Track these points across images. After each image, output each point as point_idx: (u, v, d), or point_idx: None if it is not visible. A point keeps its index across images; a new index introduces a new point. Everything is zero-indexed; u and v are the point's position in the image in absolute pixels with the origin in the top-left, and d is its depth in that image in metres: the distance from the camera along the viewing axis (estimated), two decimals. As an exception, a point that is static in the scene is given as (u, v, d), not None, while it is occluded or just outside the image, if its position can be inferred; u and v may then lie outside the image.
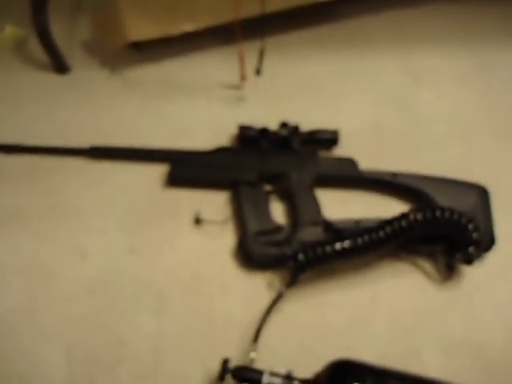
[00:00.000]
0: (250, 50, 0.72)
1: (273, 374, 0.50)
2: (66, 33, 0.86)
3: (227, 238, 0.64)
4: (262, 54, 0.72)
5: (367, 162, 0.67)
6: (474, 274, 0.60)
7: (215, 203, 0.66)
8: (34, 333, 0.57)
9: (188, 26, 0.77)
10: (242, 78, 0.75)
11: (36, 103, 0.78)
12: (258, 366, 0.52)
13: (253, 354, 0.52)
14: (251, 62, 0.74)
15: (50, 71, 0.82)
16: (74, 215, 0.66)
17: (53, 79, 0.81)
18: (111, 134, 0.74)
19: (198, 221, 0.64)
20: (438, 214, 0.56)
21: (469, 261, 0.57)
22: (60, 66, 0.81)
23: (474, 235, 0.56)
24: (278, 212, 0.66)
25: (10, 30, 0.87)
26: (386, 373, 0.51)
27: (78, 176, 0.70)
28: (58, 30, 0.81)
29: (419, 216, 0.56)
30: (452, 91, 0.80)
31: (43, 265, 0.62)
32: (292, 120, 0.69)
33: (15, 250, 0.63)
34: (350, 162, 0.67)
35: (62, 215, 0.66)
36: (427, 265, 0.61)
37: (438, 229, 0.57)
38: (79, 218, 0.66)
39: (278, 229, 0.62)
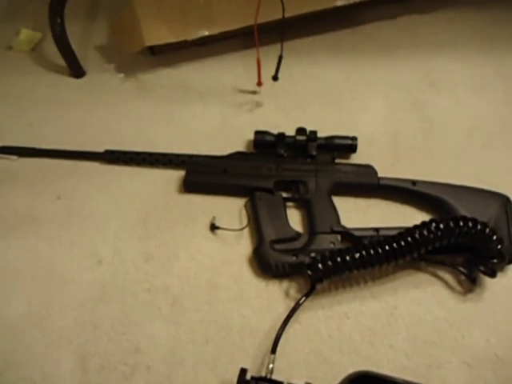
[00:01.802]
0: (266, 54, 0.72)
1: (291, 386, 0.49)
2: (81, 37, 0.86)
3: (243, 245, 0.63)
4: (279, 60, 0.71)
5: (385, 169, 0.66)
6: (497, 287, 0.58)
7: (231, 209, 0.66)
8: (47, 339, 0.56)
9: (204, 31, 0.77)
10: (259, 83, 0.75)
11: (51, 106, 0.78)
12: (276, 375, 0.51)
13: (271, 366, 0.51)
14: (267, 67, 0.73)
15: (65, 74, 0.82)
16: (88, 220, 0.66)
17: (68, 82, 0.81)
18: (126, 138, 0.74)
19: (213, 227, 0.64)
20: (461, 223, 0.54)
21: (492, 273, 0.56)
22: (76, 70, 0.81)
23: (498, 247, 0.55)
24: (295, 219, 0.65)
25: (25, 33, 0.88)
26: (408, 386, 0.50)
27: (93, 180, 0.69)
28: (74, 33, 0.81)
29: (442, 225, 0.55)
30: (470, 98, 0.79)
31: (56, 270, 0.61)
32: (309, 126, 0.68)
33: (28, 254, 0.63)
34: (369, 169, 0.66)
35: (75, 220, 0.66)
36: (448, 276, 0.60)
37: (460, 239, 0.55)
38: (93, 222, 0.65)
39: (295, 237, 0.61)
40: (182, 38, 0.77)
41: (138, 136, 0.74)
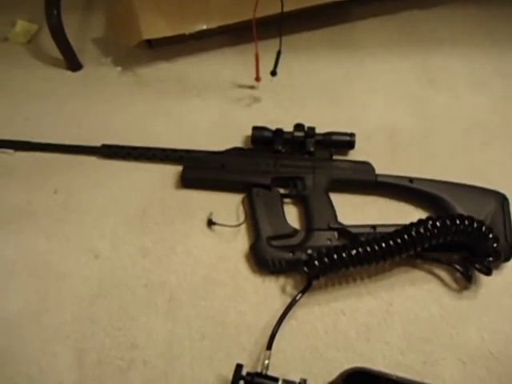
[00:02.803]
0: (265, 49, 0.71)
1: (287, 382, 0.49)
2: (78, 29, 0.85)
3: (240, 241, 0.63)
4: (278, 56, 0.71)
5: (382, 166, 0.66)
6: (492, 284, 0.59)
7: (229, 205, 0.65)
8: (44, 334, 0.56)
9: (202, 25, 0.76)
10: (257, 78, 0.74)
11: (47, 100, 0.77)
12: (271, 371, 0.51)
13: (266, 362, 0.51)
14: (266, 62, 0.72)
15: (61, 67, 0.81)
16: (85, 214, 0.65)
17: (64, 75, 0.81)
18: (123, 132, 0.73)
19: (210, 223, 0.64)
20: (457, 221, 0.55)
21: (488, 271, 0.56)
22: (72, 63, 0.80)
23: (494, 245, 0.55)
24: (292, 216, 0.65)
25: (21, 24, 0.87)
26: (403, 383, 0.50)
27: (90, 175, 0.69)
28: (71, 26, 0.80)
29: (438, 223, 0.55)
30: (469, 95, 0.78)
31: (53, 264, 0.61)
32: (307, 122, 0.68)
33: (25, 248, 0.63)
34: (367, 166, 0.66)
35: (72, 214, 0.65)
36: (444, 273, 0.60)
37: (457, 237, 0.55)
38: (90, 217, 0.65)
39: (292, 233, 0.61)
40: (179, 32, 0.76)
41: (136, 130, 0.74)
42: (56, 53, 0.79)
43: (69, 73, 0.81)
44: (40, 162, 0.70)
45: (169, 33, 0.75)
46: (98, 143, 0.70)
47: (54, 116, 0.76)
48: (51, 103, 0.77)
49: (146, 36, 0.75)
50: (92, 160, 0.71)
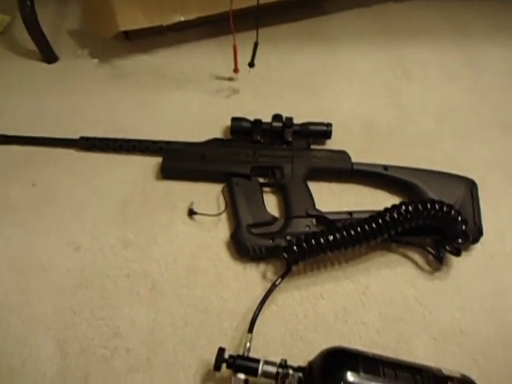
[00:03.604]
0: (243, 41, 0.72)
1: (268, 363, 0.50)
2: (53, 21, 0.84)
3: (221, 230, 0.64)
4: (255, 47, 0.72)
5: (358, 155, 0.68)
6: (462, 265, 0.62)
7: (209, 195, 0.66)
8: (26, 326, 0.56)
9: (180, 17, 0.76)
10: (236, 70, 0.75)
11: (23, 93, 0.76)
12: (253, 354, 0.52)
13: (248, 345, 0.52)
14: (244, 54, 0.73)
15: (36, 59, 0.80)
16: (64, 207, 0.65)
17: (40, 68, 0.80)
18: (101, 124, 0.73)
19: (191, 213, 0.64)
20: (428, 206, 0.57)
21: (457, 252, 0.59)
22: (48, 55, 0.79)
23: (463, 227, 0.58)
24: (271, 204, 0.66)
25: (-6, 17, 0.85)
26: (378, 359, 0.52)
27: (68, 167, 0.69)
28: (46, 17, 0.79)
29: (411, 208, 0.57)
30: (441, 85, 0.81)
31: (34, 257, 0.61)
32: (285, 113, 0.69)
33: (4, 242, 0.62)
34: (343, 155, 0.68)
35: (52, 207, 0.65)
36: (417, 256, 0.63)
37: (428, 221, 0.58)
38: (70, 210, 0.65)
39: (271, 221, 0.63)
40: (157, 23, 0.76)
41: (114, 123, 0.73)
42: (31, 45, 0.78)
43: (44, 65, 0.80)
44: (16, 156, 0.70)
45: (146, 24, 0.75)
46: (75, 136, 0.70)
47: (30, 109, 0.75)
48: (26, 96, 0.76)
49: (123, 27, 0.74)
50: (70, 152, 0.70)
